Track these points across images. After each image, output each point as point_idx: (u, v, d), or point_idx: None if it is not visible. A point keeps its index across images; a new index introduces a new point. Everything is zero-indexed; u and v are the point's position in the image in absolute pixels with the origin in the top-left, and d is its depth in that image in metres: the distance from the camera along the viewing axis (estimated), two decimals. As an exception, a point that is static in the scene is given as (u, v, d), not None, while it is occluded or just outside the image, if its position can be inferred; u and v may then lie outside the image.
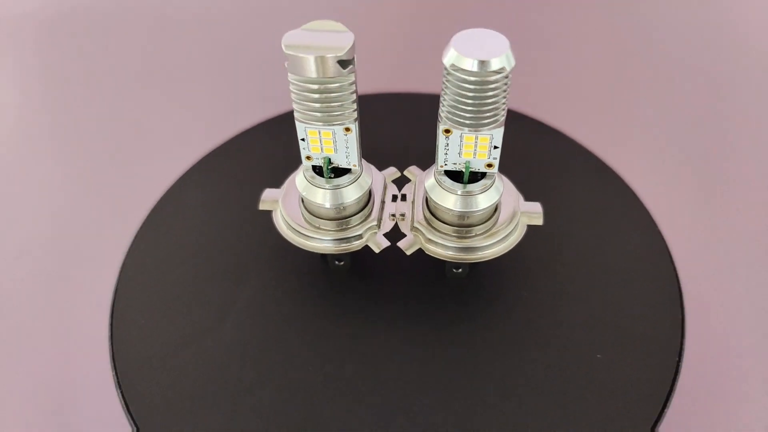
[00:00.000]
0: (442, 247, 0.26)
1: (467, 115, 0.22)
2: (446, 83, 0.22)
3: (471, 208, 0.25)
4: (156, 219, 0.33)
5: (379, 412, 0.25)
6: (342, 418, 0.25)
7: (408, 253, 0.26)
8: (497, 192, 0.25)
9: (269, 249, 0.30)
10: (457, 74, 0.21)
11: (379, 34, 0.59)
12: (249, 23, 0.63)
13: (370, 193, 0.27)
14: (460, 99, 0.22)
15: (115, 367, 0.27)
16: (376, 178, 0.28)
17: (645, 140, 0.50)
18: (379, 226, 0.27)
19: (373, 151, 0.29)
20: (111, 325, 0.29)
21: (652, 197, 0.36)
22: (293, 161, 0.28)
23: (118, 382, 0.27)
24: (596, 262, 0.30)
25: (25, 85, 0.57)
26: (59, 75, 0.58)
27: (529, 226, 0.28)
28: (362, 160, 0.27)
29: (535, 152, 0.36)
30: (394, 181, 0.29)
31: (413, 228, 0.27)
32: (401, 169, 0.29)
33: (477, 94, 0.22)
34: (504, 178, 0.27)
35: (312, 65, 0.22)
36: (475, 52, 0.21)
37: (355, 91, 0.23)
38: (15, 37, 0.62)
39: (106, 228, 0.44)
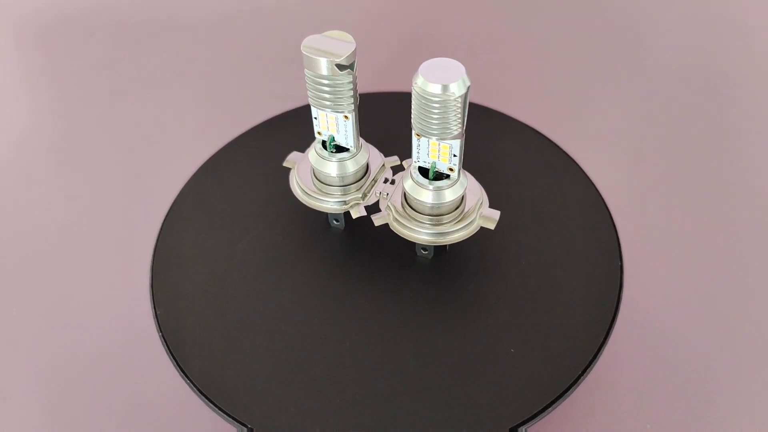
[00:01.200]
0: (414, 231, 0.32)
1: (430, 127, 0.28)
2: (414, 101, 0.28)
3: (437, 201, 0.31)
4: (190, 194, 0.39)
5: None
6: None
7: (376, 224, 0.33)
8: (461, 187, 0.31)
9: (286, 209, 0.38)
10: (422, 95, 0.27)
11: (397, 37, 0.63)
12: (264, 23, 0.67)
13: (367, 171, 0.34)
14: (424, 114, 0.28)
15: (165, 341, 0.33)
16: (373, 160, 0.34)
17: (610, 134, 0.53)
18: (363, 198, 0.33)
19: (382, 142, 0.35)
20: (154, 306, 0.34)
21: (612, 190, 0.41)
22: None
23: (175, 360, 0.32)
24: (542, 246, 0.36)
25: (46, 84, 0.60)
26: (74, 72, 0.61)
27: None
28: (365, 143, 0.33)
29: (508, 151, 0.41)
30: (395, 168, 0.35)
31: (387, 207, 0.33)
32: (403, 159, 0.36)
33: (437, 112, 0.27)
34: (468, 174, 0.33)
35: (318, 64, 0.29)
36: (437, 78, 0.27)
37: (353, 89, 0.30)
38: (25, 37, 0.65)
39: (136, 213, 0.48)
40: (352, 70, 0.29)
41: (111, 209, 0.49)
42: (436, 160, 0.30)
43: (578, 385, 0.30)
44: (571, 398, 0.31)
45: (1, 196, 0.50)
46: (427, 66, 0.27)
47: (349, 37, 0.29)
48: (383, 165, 0.35)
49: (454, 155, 0.29)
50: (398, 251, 0.35)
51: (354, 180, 0.34)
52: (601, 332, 0.32)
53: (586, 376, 0.31)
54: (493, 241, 0.35)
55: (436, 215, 0.32)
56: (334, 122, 0.31)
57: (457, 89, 0.27)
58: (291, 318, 0.33)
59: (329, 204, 0.34)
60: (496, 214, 0.33)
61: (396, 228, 0.33)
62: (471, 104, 0.39)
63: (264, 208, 0.38)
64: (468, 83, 0.27)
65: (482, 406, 0.30)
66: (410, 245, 0.34)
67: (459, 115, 0.28)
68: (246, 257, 0.36)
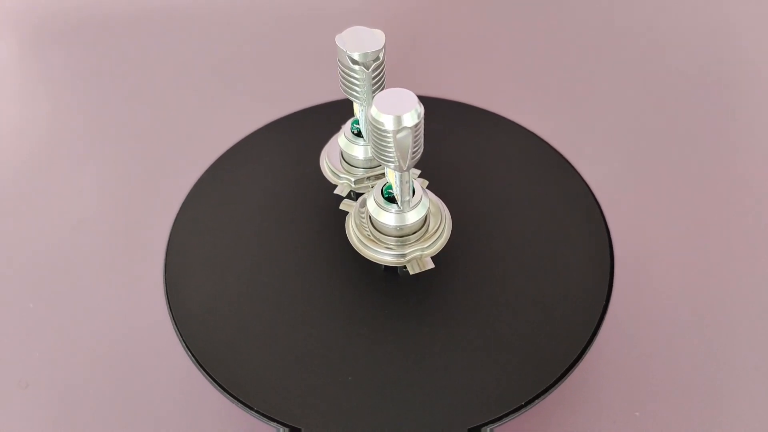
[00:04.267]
0: (378, 253, 0.33)
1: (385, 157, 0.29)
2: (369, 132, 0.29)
3: (400, 223, 0.32)
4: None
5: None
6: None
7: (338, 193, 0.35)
8: (424, 208, 0.32)
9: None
10: (377, 126, 0.28)
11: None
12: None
13: None
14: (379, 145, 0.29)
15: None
16: None
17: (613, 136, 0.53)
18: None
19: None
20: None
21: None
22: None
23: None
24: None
25: (53, 83, 0.61)
26: (81, 72, 0.61)
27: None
28: None
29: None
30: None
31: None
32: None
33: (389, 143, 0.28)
34: (429, 192, 0.33)
35: (343, 57, 0.31)
36: (389, 109, 0.27)
37: (378, 82, 0.31)
38: (44, 35, 0.65)
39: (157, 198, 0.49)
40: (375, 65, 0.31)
41: (124, 205, 0.49)
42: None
43: (561, 383, 0.31)
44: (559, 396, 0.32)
45: (16, 192, 0.51)
46: (381, 97, 0.28)
47: (380, 35, 0.31)
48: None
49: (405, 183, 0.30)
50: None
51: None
52: (586, 333, 0.32)
53: (571, 373, 0.31)
54: (479, 241, 0.36)
55: (401, 236, 0.33)
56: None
57: (409, 119, 0.27)
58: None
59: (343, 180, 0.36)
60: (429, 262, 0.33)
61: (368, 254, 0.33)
62: (461, 104, 0.42)
63: (284, 202, 0.39)
64: (416, 119, 0.27)
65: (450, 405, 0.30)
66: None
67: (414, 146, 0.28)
68: (266, 255, 0.36)
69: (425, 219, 0.33)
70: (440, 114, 0.43)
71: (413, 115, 0.27)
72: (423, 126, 0.28)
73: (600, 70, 0.59)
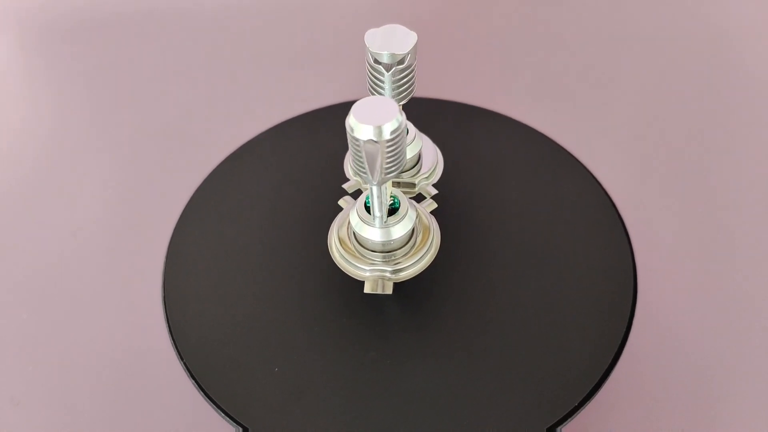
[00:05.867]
0: (361, 270, 0.31)
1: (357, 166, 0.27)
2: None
3: (387, 238, 0.30)
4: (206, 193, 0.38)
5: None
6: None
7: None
8: (410, 221, 0.30)
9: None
10: (349, 132, 0.26)
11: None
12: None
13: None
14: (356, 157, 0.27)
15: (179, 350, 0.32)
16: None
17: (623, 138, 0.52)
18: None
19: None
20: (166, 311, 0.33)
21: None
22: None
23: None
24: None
25: (53, 83, 0.59)
26: (79, 73, 0.59)
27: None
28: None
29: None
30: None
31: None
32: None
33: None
34: (414, 203, 0.31)
35: (368, 56, 0.29)
36: (365, 117, 0.25)
37: (401, 88, 0.29)
38: (49, 37, 0.63)
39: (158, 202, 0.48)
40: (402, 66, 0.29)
41: (121, 212, 0.48)
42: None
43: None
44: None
45: (12, 198, 0.49)
46: (359, 106, 0.25)
47: (412, 36, 0.29)
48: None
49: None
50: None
51: None
52: (615, 341, 0.31)
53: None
54: (490, 246, 0.35)
55: (388, 251, 0.31)
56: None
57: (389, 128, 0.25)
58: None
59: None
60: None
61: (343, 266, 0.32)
62: (461, 104, 0.41)
63: (281, 209, 0.37)
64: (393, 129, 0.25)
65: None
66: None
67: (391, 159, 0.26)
68: (261, 260, 0.35)
69: (411, 234, 0.31)
70: (448, 116, 0.42)
71: (387, 128, 0.25)
72: (402, 142, 0.26)
73: (613, 74, 0.57)
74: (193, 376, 0.31)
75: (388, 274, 0.31)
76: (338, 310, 0.33)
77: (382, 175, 0.26)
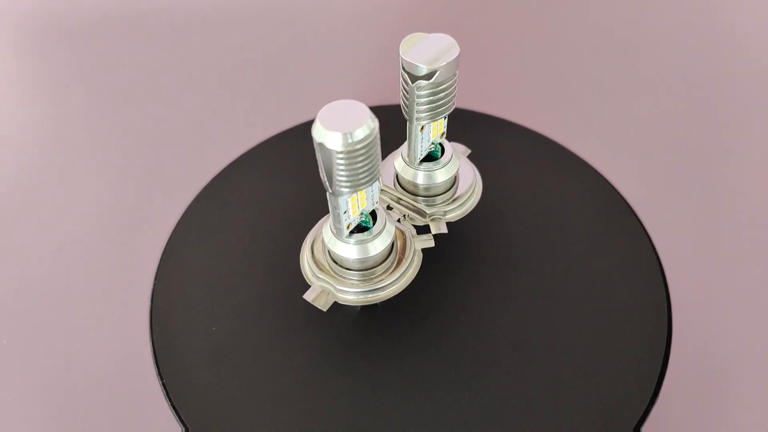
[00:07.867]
0: (347, 293, 0.29)
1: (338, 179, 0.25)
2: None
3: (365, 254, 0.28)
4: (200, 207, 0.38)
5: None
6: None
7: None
8: (389, 235, 0.29)
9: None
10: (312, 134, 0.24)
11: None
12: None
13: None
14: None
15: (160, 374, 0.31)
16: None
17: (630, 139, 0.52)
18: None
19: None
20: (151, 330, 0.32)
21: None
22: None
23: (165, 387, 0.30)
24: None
25: (52, 86, 0.58)
26: (96, 74, 0.58)
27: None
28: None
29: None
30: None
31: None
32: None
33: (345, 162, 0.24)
34: (391, 214, 0.30)
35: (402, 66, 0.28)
36: (328, 122, 0.24)
37: (430, 105, 0.28)
38: (46, 39, 0.62)
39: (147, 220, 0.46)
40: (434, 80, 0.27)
41: (109, 233, 0.46)
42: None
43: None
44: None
45: (9, 201, 0.49)
46: (325, 112, 0.24)
47: (454, 46, 0.28)
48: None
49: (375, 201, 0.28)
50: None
51: None
52: (657, 358, 0.30)
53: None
54: (512, 255, 0.34)
55: (367, 268, 0.29)
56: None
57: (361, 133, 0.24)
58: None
59: None
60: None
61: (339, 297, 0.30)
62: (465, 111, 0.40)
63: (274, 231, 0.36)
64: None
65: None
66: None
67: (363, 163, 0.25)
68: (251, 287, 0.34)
69: (389, 251, 0.29)
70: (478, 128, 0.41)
71: (346, 137, 0.23)
72: (369, 154, 0.24)
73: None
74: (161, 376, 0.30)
75: (332, 289, 0.29)
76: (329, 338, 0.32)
77: (339, 186, 0.25)
